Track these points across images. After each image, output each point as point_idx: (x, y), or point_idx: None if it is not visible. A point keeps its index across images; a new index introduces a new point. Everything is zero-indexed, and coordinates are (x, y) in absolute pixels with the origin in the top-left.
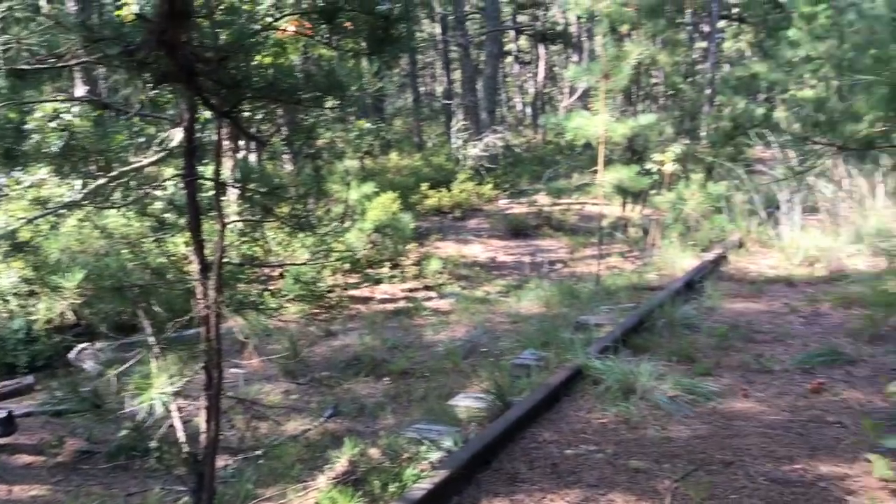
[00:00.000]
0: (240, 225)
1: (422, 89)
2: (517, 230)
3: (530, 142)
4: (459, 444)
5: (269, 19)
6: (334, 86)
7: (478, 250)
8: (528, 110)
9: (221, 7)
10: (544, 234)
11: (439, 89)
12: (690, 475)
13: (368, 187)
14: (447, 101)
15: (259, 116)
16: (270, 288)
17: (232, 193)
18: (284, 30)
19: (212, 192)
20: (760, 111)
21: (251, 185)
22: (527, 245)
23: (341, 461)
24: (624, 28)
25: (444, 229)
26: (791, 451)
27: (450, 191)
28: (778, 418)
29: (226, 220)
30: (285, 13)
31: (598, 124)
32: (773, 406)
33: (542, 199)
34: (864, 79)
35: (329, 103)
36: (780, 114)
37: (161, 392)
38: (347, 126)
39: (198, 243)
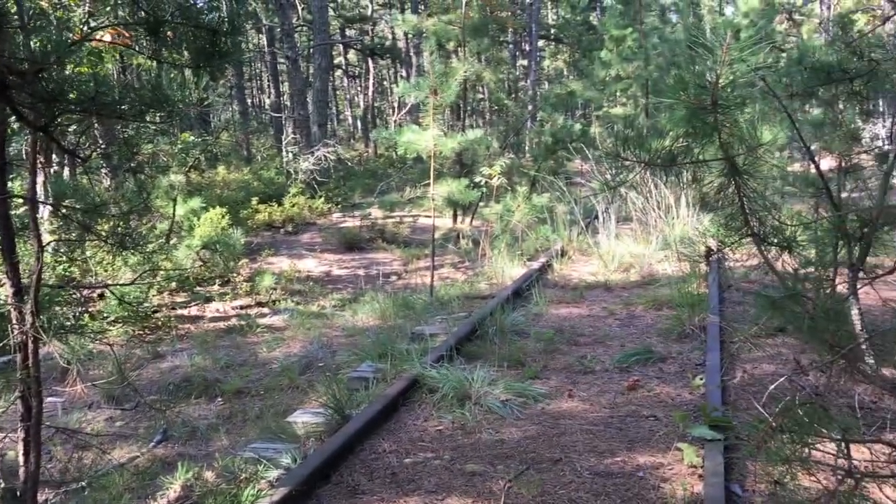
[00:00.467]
0: (53, 245)
1: (249, 101)
2: (351, 244)
3: (362, 155)
4: (298, 461)
5: (86, 29)
6: (160, 99)
7: (312, 265)
8: (360, 124)
9: (34, 17)
10: (378, 247)
11: (268, 101)
12: (522, 474)
13: (196, 202)
14: (276, 114)
15: (73, 129)
16: (90, 310)
17: (46, 211)
18: (101, 39)
19: (24, 211)
20: (578, 127)
21: (68, 203)
22: (361, 258)
23: (174, 487)
24: (450, 45)
25: (276, 244)
26: (612, 446)
27: (281, 205)
28: (600, 415)
29: (43, 241)
30: (105, 24)
31: (427, 139)
32: (596, 404)
33: (376, 212)
34: (665, 100)
35: (153, 117)
36: (595, 129)
37: None
38: (172, 139)
39: (12, 265)
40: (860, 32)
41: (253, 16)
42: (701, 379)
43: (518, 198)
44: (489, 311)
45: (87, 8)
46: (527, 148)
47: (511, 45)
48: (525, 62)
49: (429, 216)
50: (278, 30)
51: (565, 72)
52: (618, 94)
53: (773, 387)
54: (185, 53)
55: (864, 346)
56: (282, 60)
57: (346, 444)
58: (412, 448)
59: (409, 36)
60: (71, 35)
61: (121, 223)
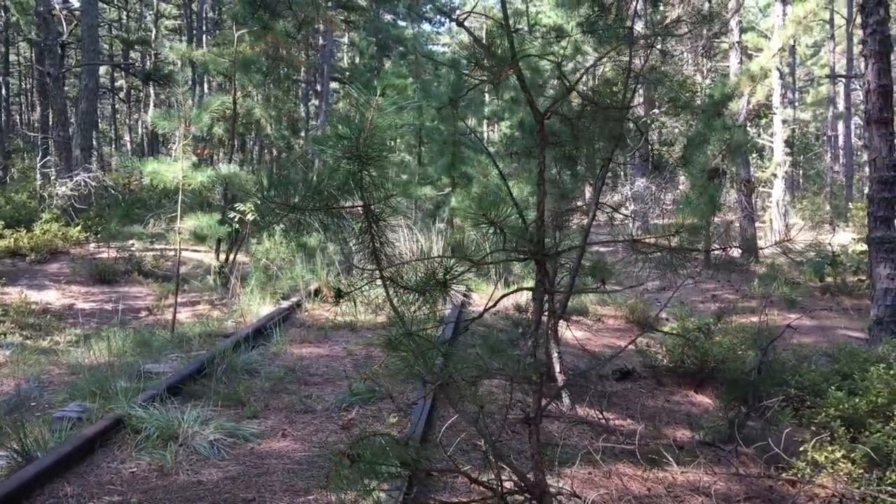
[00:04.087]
0: None
1: (18, 117)
2: (103, 276)
3: (131, 183)
4: None
5: None
6: None
7: (53, 296)
8: (140, 150)
9: None
10: (134, 280)
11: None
12: None
13: None
14: (34, 134)
15: None
16: None
17: None
18: None
19: None
20: (348, 167)
21: None
22: (112, 292)
23: None
24: (220, 78)
25: (17, 273)
26: (309, 484)
27: (31, 231)
28: (307, 454)
29: None
30: None
31: (176, 170)
32: (307, 443)
33: (137, 243)
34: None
35: None
36: (372, 172)
37: None
38: None
39: None
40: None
41: (16, 26)
42: (394, 417)
43: (275, 235)
44: (222, 350)
45: None
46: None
47: (304, 85)
48: (317, 102)
49: (197, 250)
50: (44, 45)
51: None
52: (397, 140)
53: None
54: None
55: (561, 388)
56: (46, 78)
57: (21, 488)
58: (98, 491)
59: (194, 64)
60: None
61: None
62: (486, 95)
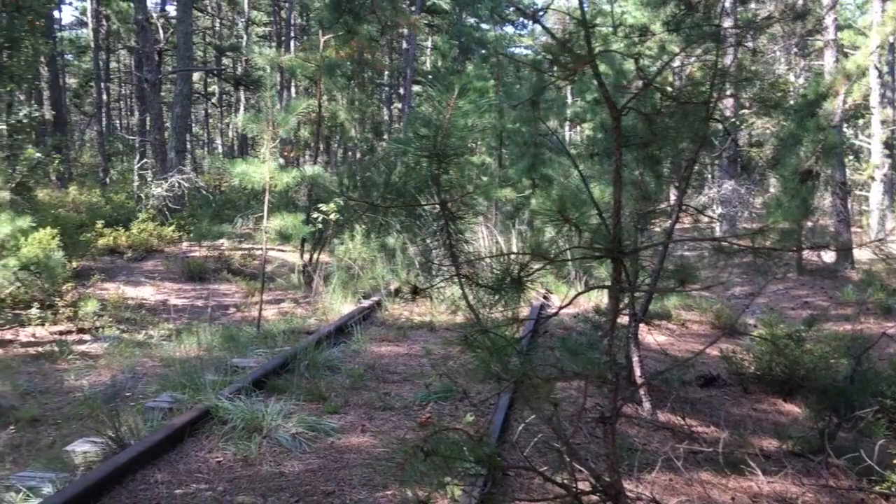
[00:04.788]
0: None
1: (117, 122)
2: (195, 273)
3: (222, 184)
4: (59, 490)
5: None
6: None
7: (149, 293)
8: (234, 153)
9: None
10: (223, 278)
11: (135, 124)
12: None
13: (24, 221)
14: (133, 137)
15: None
16: None
17: None
18: None
19: None
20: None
21: None
22: (202, 289)
23: None
24: (305, 82)
25: (115, 270)
26: (387, 480)
27: (129, 230)
28: (385, 450)
29: None
30: None
31: (263, 172)
32: (385, 439)
33: (227, 242)
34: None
35: None
36: (453, 174)
37: None
38: (14, 154)
39: None
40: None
41: (118, 35)
42: (471, 416)
43: (357, 236)
44: (304, 347)
45: None
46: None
47: (388, 88)
48: (400, 105)
49: (282, 249)
50: (141, 52)
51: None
52: (478, 142)
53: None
54: None
55: (638, 387)
56: (144, 83)
57: (115, 473)
58: (187, 479)
59: (282, 69)
60: None
61: None
62: (569, 97)
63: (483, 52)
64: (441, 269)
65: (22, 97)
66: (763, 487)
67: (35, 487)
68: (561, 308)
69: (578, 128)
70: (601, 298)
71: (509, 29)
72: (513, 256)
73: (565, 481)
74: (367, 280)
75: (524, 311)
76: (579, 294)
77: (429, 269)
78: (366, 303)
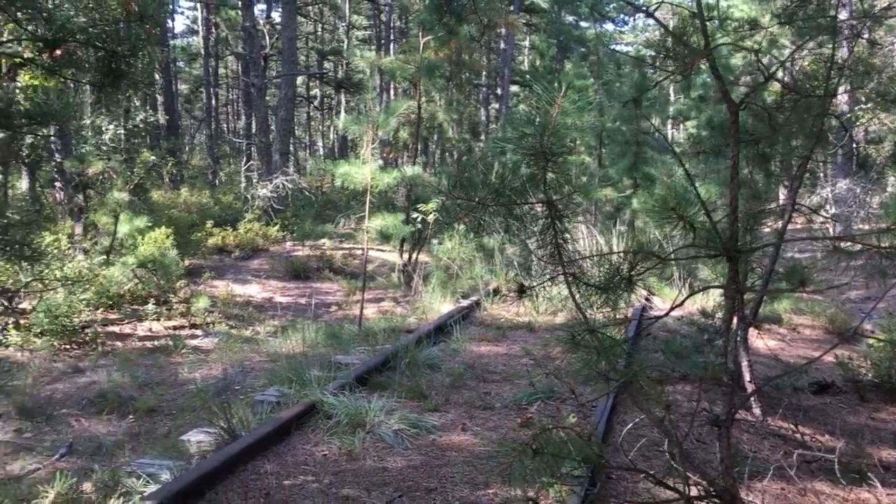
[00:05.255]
0: None
1: (224, 126)
2: (298, 272)
3: (323, 185)
4: (177, 477)
5: None
6: (47, 113)
7: (255, 290)
8: (333, 155)
9: None
10: (325, 277)
11: (242, 127)
12: (394, 501)
13: (142, 221)
14: (240, 141)
15: (28, 140)
16: (21, 321)
17: None
18: (49, 54)
19: None
20: (529, 171)
21: None
22: (305, 287)
23: (49, 496)
24: (404, 84)
25: (224, 269)
26: (489, 478)
27: (235, 230)
28: (486, 449)
29: None
30: (9, 38)
31: (365, 172)
32: (486, 438)
33: (328, 242)
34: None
35: (40, 129)
36: (549, 175)
37: None
38: (132, 157)
39: None
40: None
41: (226, 41)
42: (573, 417)
43: (456, 236)
44: (405, 345)
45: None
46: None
47: (485, 89)
48: (497, 105)
49: (381, 249)
50: (248, 57)
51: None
52: (576, 142)
53: (688, 427)
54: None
55: (751, 395)
56: (251, 88)
57: (228, 462)
58: (294, 471)
59: (382, 72)
60: None
61: (21, 231)
62: (671, 94)
63: (582, 50)
64: (546, 267)
65: (137, 103)
66: (882, 500)
67: (154, 474)
68: (672, 309)
69: (681, 126)
70: (705, 301)
71: (609, 26)
72: (621, 255)
73: (676, 485)
74: (466, 280)
75: (626, 313)
76: (692, 294)
77: (528, 270)
78: (464, 302)
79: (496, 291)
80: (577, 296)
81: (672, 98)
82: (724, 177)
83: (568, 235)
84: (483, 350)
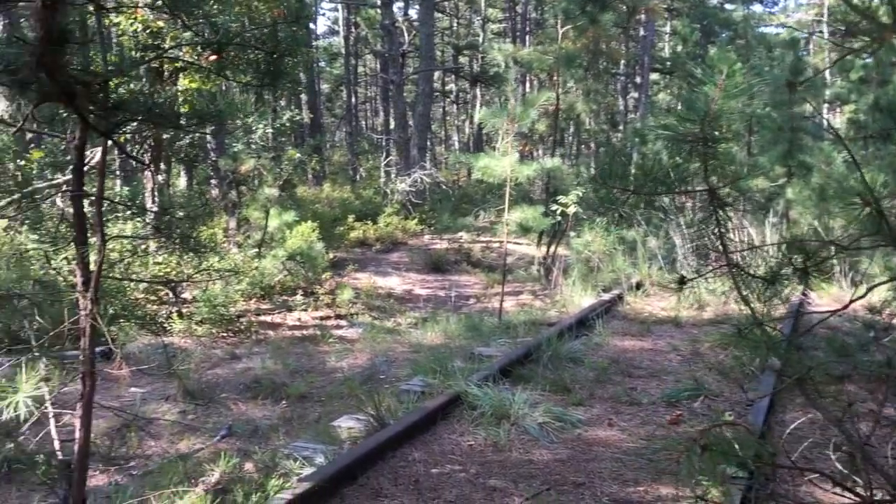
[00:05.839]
0: (129, 244)
1: (363, 123)
2: (436, 265)
3: (459, 179)
4: (330, 461)
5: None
6: (212, 113)
7: (395, 283)
8: (468, 149)
9: (135, 33)
10: (462, 269)
11: (379, 124)
12: (541, 494)
13: (289, 216)
14: (380, 136)
15: (186, 140)
16: (183, 310)
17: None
18: (204, 58)
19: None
20: (673, 161)
21: (136, 206)
22: (444, 280)
23: (215, 474)
24: (542, 75)
25: (365, 261)
26: (638, 475)
27: (376, 224)
28: (634, 445)
29: (107, 237)
30: (171, 45)
31: (504, 165)
32: (633, 434)
33: (465, 235)
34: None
35: (205, 128)
36: (694, 165)
37: (28, 396)
38: (278, 154)
39: (82, 257)
40: None
41: (365, 40)
42: (730, 416)
43: (596, 228)
44: (547, 338)
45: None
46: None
47: (623, 78)
48: (636, 94)
49: (519, 242)
50: (387, 55)
51: (679, 106)
52: (723, 129)
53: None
54: (249, 74)
55: None
56: (389, 85)
57: (377, 449)
58: (441, 460)
59: (518, 64)
60: (133, 54)
61: (186, 226)
62: (828, 77)
63: (727, 34)
64: (691, 261)
65: (282, 102)
66: None
67: (309, 457)
68: (850, 303)
69: (838, 111)
70: (870, 297)
71: (757, 7)
72: (793, 245)
73: (857, 489)
74: (607, 273)
75: (781, 309)
76: (873, 287)
77: (673, 262)
78: (606, 296)
79: (639, 285)
80: (742, 289)
81: (828, 81)
82: (891, 162)
83: (730, 225)
84: (627, 345)
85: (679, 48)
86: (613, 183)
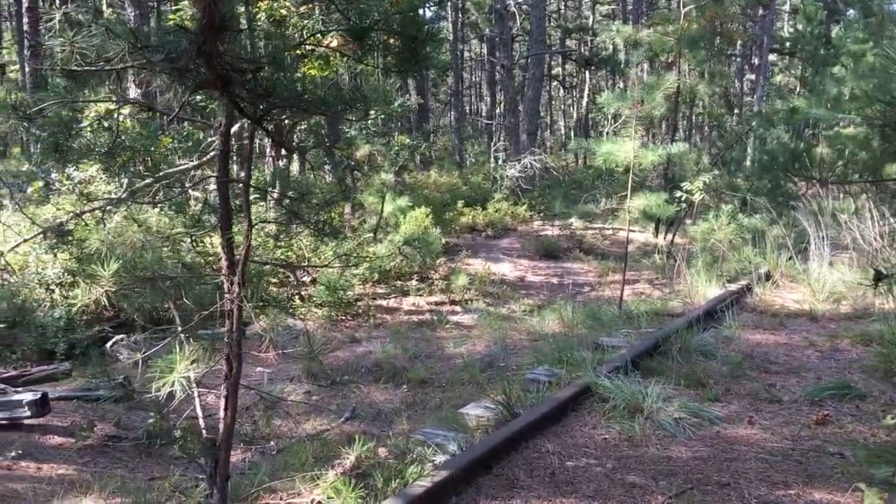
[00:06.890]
0: (273, 229)
1: (468, 108)
2: (548, 252)
3: (569, 165)
4: (464, 449)
5: (306, 35)
6: (357, 99)
7: (507, 269)
8: (573, 134)
9: (260, 22)
10: (575, 257)
11: (485, 108)
12: (685, 493)
13: (403, 201)
14: (488, 122)
15: (303, 126)
16: (303, 293)
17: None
18: (328, 45)
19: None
20: (800, 146)
21: (279, 191)
22: (556, 267)
23: (350, 458)
24: (664, 57)
25: (476, 247)
26: (787, 478)
27: (485, 209)
28: (779, 446)
29: (253, 222)
30: (315, 31)
31: (627, 151)
32: (777, 434)
33: (577, 222)
34: None
35: (352, 114)
36: (821, 150)
37: (182, 376)
38: (389, 140)
39: (227, 242)
40: None
41: (475, 26)
42: (892, 419)
43: (722, 216)
44: (674, 329)
45: (313, 17)
46: (747, 165)
47: (739, 59)
48: (753, 76)
49: (632, 230)
50: (497, 39)
51: (799, 87)
52: (851, 113)
53: None
54: (389, 60)
55: None
56: (499, 69)
57: (510, 438)
58: (575, 452)
59: (629, 47)
60: (290, 41)
61: (323, 212)
62: None
63: (852, 12)
64: (820, 252)
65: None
66: None
67: (441, 444)
68: None
69: None
70: None
71: None
72: None
73: None
74: (733, 263)
75: None
76: None
77: (804, 253)
78: (732, 287)
79: (768, 276)
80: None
81: None
82: None
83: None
84: (759, 338)
85: (800, 27)
86: (793, 171)
